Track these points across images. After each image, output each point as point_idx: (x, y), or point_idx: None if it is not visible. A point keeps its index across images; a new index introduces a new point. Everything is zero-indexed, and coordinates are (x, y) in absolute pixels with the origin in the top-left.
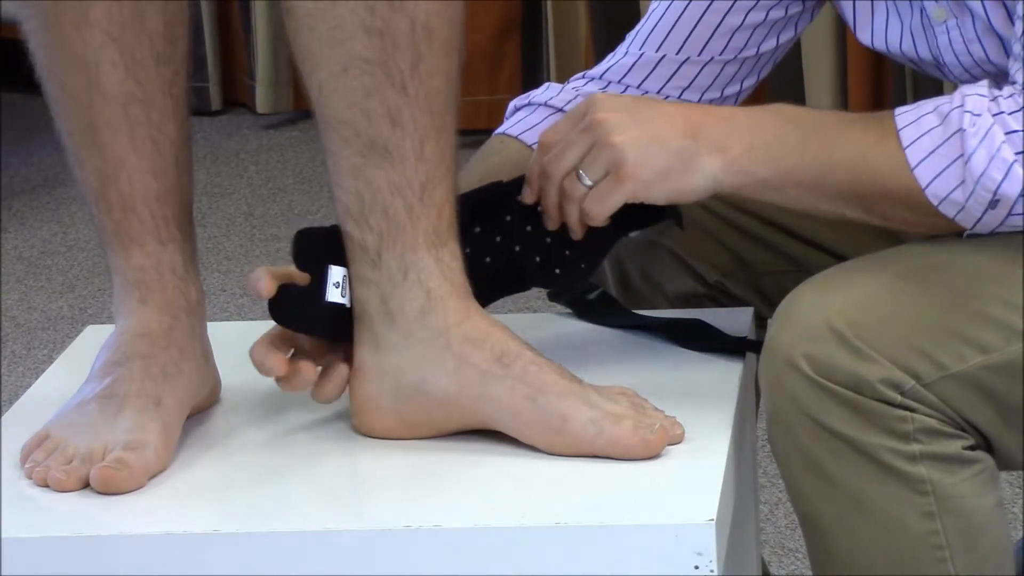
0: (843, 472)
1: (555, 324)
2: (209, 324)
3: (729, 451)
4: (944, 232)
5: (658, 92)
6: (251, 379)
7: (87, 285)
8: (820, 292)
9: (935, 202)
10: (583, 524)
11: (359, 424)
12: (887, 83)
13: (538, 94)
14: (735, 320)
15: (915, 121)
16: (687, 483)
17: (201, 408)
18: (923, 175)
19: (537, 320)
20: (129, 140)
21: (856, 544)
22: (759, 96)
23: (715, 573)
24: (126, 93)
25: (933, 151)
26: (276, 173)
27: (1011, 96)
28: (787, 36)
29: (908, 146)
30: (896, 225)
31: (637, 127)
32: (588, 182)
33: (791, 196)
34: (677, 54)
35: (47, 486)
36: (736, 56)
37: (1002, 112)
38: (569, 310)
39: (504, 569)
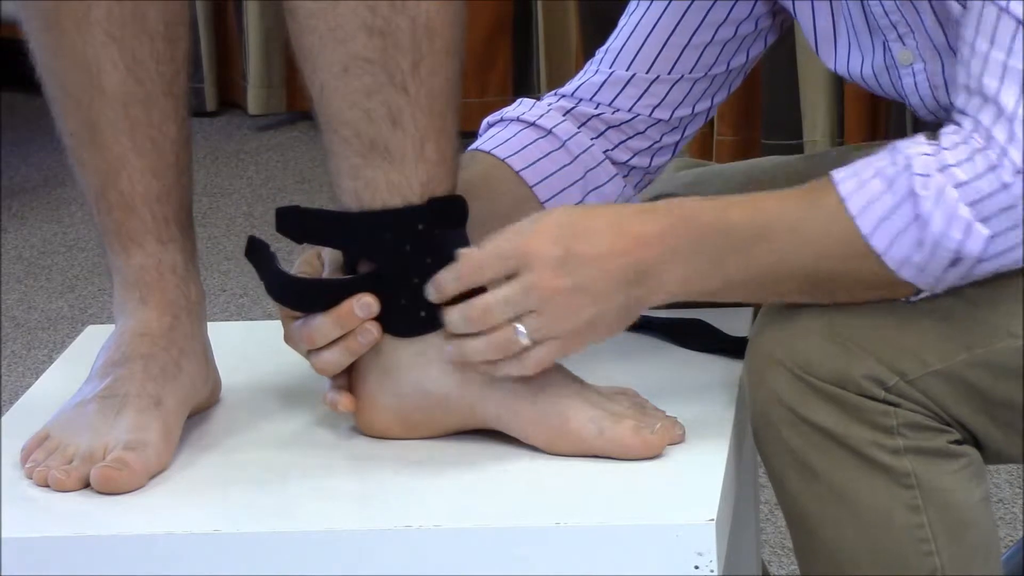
0: (827, 466)
1: None
2: (209, 324)
3: (729, 451)
4: (905, 296)
5: (629, 110)
6: (251, 379)
7: (87, 285)
8: None
9: (894, 266)
10: (583, 524)
11: (359, 424)
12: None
13: (510, 110)
14: (735, 320)
15: (860, 189)
16: (687, 483)
17: (201, 408)
18: (879, 242)
19: None
20: (129, 140)
21: (841, 538)
22: (754, 109)
23: (715, 573)
24: (126, 93)
25: (886, 218)
26: (276, 173)
27: (955, 147)
28: (756, 50)
29: (858, 216)
30: (861, 300)
31: (578, 296)
32: (526, 341)
33: (745, 296)
34: (647, 72)
35: (47, 486)
36: (707, 73)
37: (949, 166)
38: None
39: (504, 569)
